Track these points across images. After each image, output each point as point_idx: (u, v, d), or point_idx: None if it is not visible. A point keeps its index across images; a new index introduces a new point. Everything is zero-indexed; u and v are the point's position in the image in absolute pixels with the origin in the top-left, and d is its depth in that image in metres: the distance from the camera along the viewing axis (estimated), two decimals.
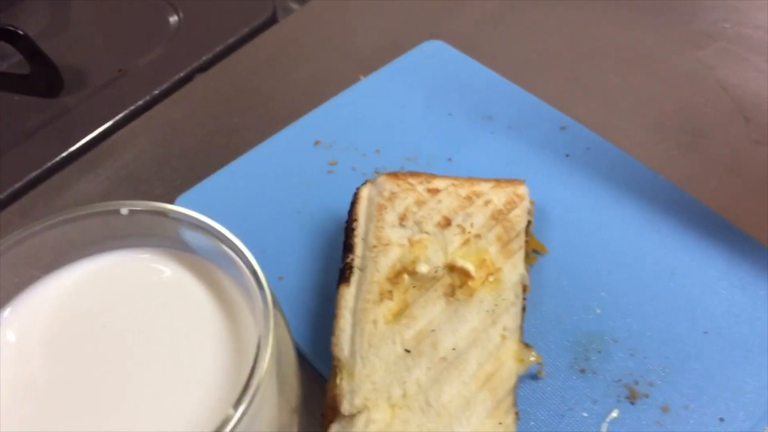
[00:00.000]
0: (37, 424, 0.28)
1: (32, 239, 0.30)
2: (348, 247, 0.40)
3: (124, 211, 0.31)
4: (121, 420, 0.28)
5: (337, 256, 0.44)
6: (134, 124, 0.55)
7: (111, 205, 0.31)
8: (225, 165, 0.50)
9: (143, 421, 0.28)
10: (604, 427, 0.37)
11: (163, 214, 0.31)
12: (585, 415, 0.38)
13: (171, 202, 0.46)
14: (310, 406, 0.36)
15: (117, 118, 0.55)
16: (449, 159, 0.49)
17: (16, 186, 0.51)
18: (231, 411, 0.25)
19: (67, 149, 0.54)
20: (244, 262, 0.29)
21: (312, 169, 0.50)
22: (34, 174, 0.52)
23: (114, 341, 0.30)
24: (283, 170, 0.50)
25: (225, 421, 0.24)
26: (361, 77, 0.56)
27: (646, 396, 0.38)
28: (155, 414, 0.28)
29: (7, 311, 0.30)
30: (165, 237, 0.32)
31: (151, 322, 0.31)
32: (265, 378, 0.26)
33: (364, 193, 0.43)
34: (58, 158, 0.53)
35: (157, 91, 0.57)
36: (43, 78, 0.56)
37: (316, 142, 0.51)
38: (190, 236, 0.31)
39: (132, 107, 0.56)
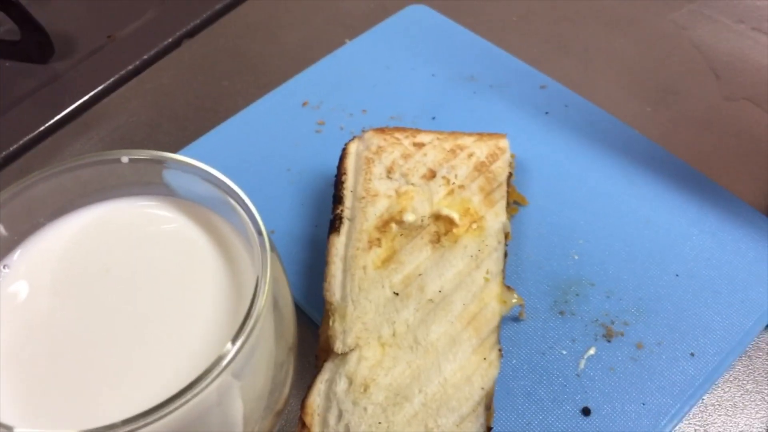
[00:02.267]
0: (46, 361, 0.29)
1: (37, 187, 0.31)
2: (337, 199, 0.42)
3: (124, 159, 0.32)
4: (125, 355, 0.29)
5: (326, 211, 0.45)
6: (125, 88, 0.57)
7: (112, 154, 0.32)
8: (215, 127, 0.52)
9: (147, 355, 0.29)
10: (582, 363, 0.39)
11: (162, 162, 0.32)
12: (564, 352, 0.40)
13: None
14: (304, 350, 0.38)
15: (107, 82, 0.56)
16: (433, 118, 0.51)
17: (11, 149, 0.52)
18: (230, 345, 0.26)
19: (59, 113, 0.55)
20: (243, 207, 0.31)
21: (300, 129, 0.51)
22: (28, 137, 0.53)
23: (118, 283, 0.31)
24: (272, 131, 0.51)
25: (225, 353, 0.26)
26: (347, 41, 0.57)
27: (621, 334, 0.40)
28: (159, 349, 0.30)
29: (17, 254, 0.32)
30: (164, 185, 0.33)
31: (152, 264, 0.32)
32: (262, 314, 0.28)
33: (352, 148, 0.44)
34: (51, 122, 0.54)
35: (146, 57, 0.58)
36: (34, 44, 0.57)
37: (304, 104, 0.53)
38: (190, 184, 0.33)
39: (122, 72, 0.57)
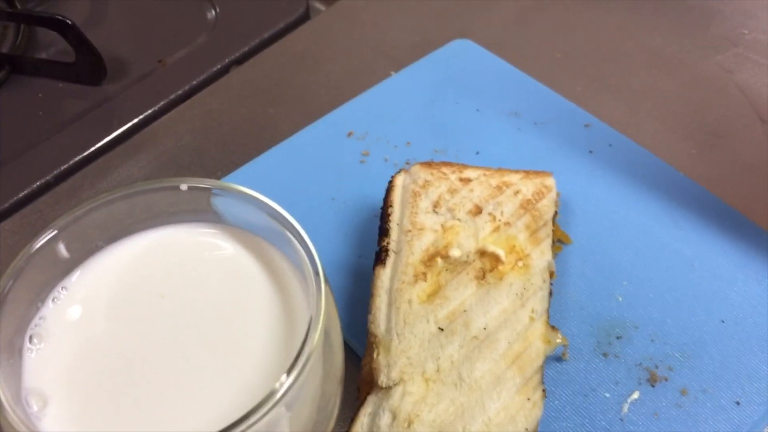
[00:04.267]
0: (100, 383, 0.30)
1: (97, 211, 0.32)
2: (384, 232, 0.42)
3: (183, 187, 0.33)
4: (178, 382, 0.30)
5: (369, 242, 0.46)
6: (173, 112, 0.58)
7: (171, 181, 0.33)
8: (261, 154, 0.53)
9: (200, 383, 0.30)
10: (626, 407, 0.39)
11: (221, 191, 0.33)
12: (607, 395, 0.40)
13: None
14: (345, 381, 0.38)
15: (157, 106, 0.58)
16: (477, 152, 0.51)
17: (62, 168, 0.54)
18: (284, 377, 0.27)
19: (109, 135, 0.56)
20: (301, 244, 0.31)
21: (345, 159, 0.52)
22: (78, 157, 0.55)
23: (172, 309, 0.32)
24: (317, 160, 0.52)
25: (278, 387, 0.26)
26: (392, 73, 0.58)
27: (666, 379, 0.40)
28: (211, 378, 0.30)
29: (75, 276, 0.32)
30: (220, 214, 0.34)
31: (207, 292, 0.33)
32: (315, 349, 0.28)
33: (399, 181, 0.45)
34: (101, 143, 0.55)
35: (195, 82, 0.59)
36: (88, 66, 0.58)
37: (349, 134, 0.54)
38: (246, 214, 0.33)
39: (171, 96, 0.58)
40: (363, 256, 0.46)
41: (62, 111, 0.58)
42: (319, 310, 0.29)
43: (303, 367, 0.27)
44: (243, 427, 0.26)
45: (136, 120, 0.57)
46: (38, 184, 0.53)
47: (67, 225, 0.31)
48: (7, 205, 0.52)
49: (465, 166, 0.45)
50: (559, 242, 0.46)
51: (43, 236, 0.30)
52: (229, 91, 0.59)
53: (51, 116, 0.58)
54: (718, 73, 0.58)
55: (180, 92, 0.59)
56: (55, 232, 0.31)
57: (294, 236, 0.31)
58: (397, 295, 0.39)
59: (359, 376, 0.40)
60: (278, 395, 0.26)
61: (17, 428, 0.26)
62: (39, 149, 0.55)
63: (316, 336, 0.28)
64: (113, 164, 0.54)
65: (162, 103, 0.58)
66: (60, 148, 0.55)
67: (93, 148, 0.55)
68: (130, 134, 0.56)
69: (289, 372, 0.27)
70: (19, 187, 0.53)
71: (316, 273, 0.30)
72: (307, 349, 0.28)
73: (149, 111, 0.58)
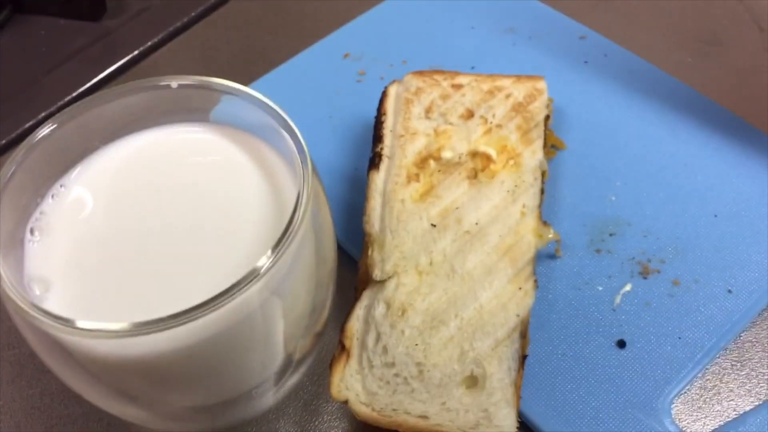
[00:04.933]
0: (101, 265, 0.31)
1: (93, 111, 0.33)
2: (377, 138, 0.43)
3: (174, 84, 0.34)
4: (173, 263, 0.31)
5: (365, 155, 0.46)
6: (173, 44, 0.58)
7: (162, 79, 0.34)
8: (260, 77, 0.53)
9: (193, 263, 0.31)
10: (618, 298, 0.40)
11: (209, 87, 0.34)
12: (600, 288, 0.40)
13: None
14: (343, 286, 0.39)
15: (156, 38, 0.58)
16: (472, 67, 0.52)
17: (65, 100, 0.55)
18: (269, 252, 0.28)
19: (110, 67, 0.57)
20: (285, 129, 0.32)
21: (341, 80, 0.52)
22: (81, 89, 0.56)
23: (167, 200, 0.33)
24: (315, 81, 0.53)
25: (259, 265, 0.27)
26: None
27: (658, 272, 0.41)
28: (204, 258, 0.31)
29: (74, 174, 0.33)
30: (211, 113, 0.35)
31: (200, 184, 0.33)
32: (301, 227, 0.29)
33: (392, 90, 0.45)
34: (102, 75, 0.56)
35: (193, 14, 0.60)
36: (87, 2, 0.59)
37: (345, 55, 0.54)
38: (236, 110, 0.34)
39: (170, 29, 0.59)
40: (359, 169, 0.47)
41: (64, 47, 0.59)
42: (306, 187, 0.30)
43: (288, 245, 0.28)
44: (228, 297, 0.26)
45: (135, 52, 0.58)
46: (42, 115, 0.54)
47: (66, 120, 0.32)
48: (13, 135, 0.53)
49: (457, 73, 0.45)
50: (553, 147, 0.46)
51: (44, 128, 0.31)
52: (227, 21, 0.59)
53: (53, 52, 0.59)
54: None
55: (178, 24, 0.59)
56: (55, 125, 0.31)
57: (278, 122, 0.32)
58: (391, 195, 0.40)
59: (356, 277, 0.41)
60: (263, 269, 0.27)
61: (22, 306, 0.27)
62: (42, 83, 0.56)
63: (301, 213, 0.29)
64: None
65: (161, 36, 0.59)
66: (63, 81, 0.56)
67: (94, 80, 0.56)
68: (130, 66, 0.57)
69: (273, 249, 0.28)
70: (24, 119, 0.54)
71: (304, 159, 0.31)
72: (293, 227, 0.28)
73: (149, 43, 0.58)
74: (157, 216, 0.32)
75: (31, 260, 0.31)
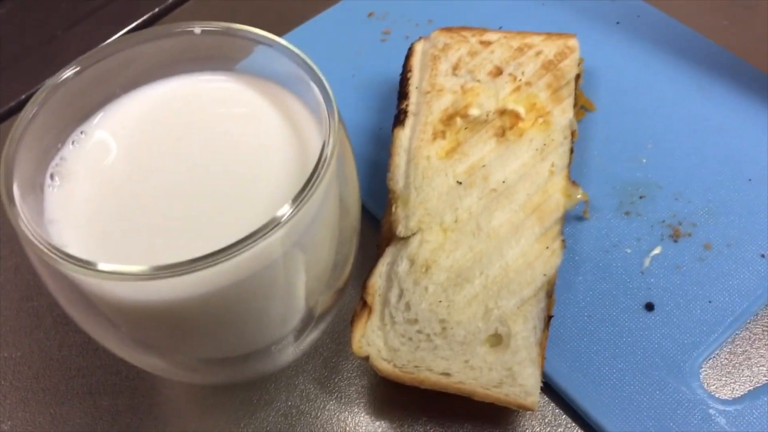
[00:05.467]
0: (123, 210, 0.30)
1: (114, 57, 0.33)
2: (403, 95, 0.42)
3: (197, 30, 0.33)
4: (195, 209, 0.30)
5: (390, 114, 0.45)
6: (193, 1, 0.57)
7: (186, 25, 0.33)
8: (284, 35, 0.52)
9: (216, 210, 0.30)
10: (647, 261, 0.39)
11: (235, 34, 0.33)
12: (628, 251, 0.39)
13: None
14: (365, 245, 0.39)
15: None
16: (500, 27, 0.50)
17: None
18: (291, 202, 0.27)
19: (132, 23, 0.56)
20: (311, 76, 0.31)
21: (366, 38, 0.51)
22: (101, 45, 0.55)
23: (190, 147, 0.32)
24: (338, 40, 0.52)
25: (280, 214, 0.26)
26: None
27: (689, 235, 0.39)
28: (226, 206, 0.30)
29: (96, 119, 0.33)
30: (235, 60, 0.34)
31: (223, 133, 0.33)
32: (325, 178, 0.28)
33: (419, 47, 0.44)
34: (124, 31, 0.56)
35: None
36: None
37: (370, 14, 0.53)
38: (261, 59, 0.33)
39: None
40: (383, 128, 0.46)
41: (85, 2, 0.58)
42: (330, 139, 0.29)
43: (309, 195, 0.27)
44: (247, 244, 0.26)
45: (156, 10, 0.57)
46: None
47: (89, 63, 0.32)
48: (34, 90, 0.53)
49: (485, 30, 0.44)
50: (582, 108, 0.45)
51: (66, 70, 0.30)
52: None
53: (74, 7, 0.58)
54: None
55: None
56: (78, 68, 0.31)
57: (310, 77, 0.31)
58: (416, 152, 0.39)
59: (379, 235, 0.40)
60: (282, 220, 0.26)
61: (43, 249, 0.27)
62: (63, 38, 0.56)
63: (325, 163, 0.28)
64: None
65: None
66: (83, 37, 0.56)
67: (115, 36, 0.55)
68: (151, 22, 0.57)
69: (296, 198, 0.27)
70: (46, 74, 0.53)
71: (330, 108, 0.30)
72: (317, 177, 0.28)
73: (170, 0, 0.57)
74: (179, 163, 0.32)
75: (51, 205, 0.31)
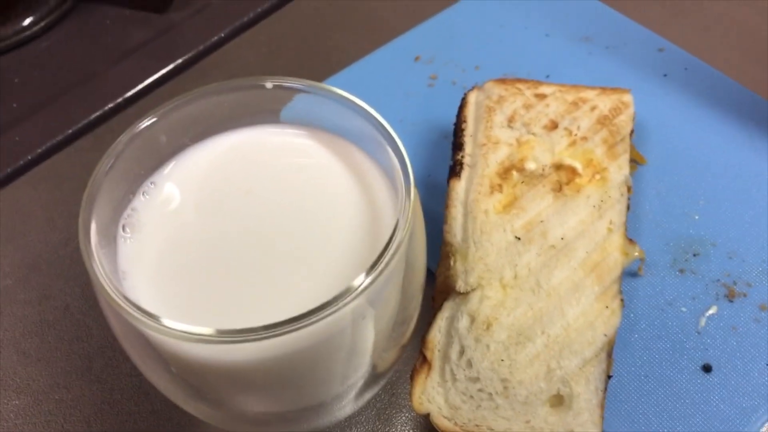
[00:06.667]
0: (191, 268, 0.30)
1: (185, 108, 0.33)
2: (458, 146, 0.42)
3: (268, 85, 0.33)
4: (264, 270, 0.30)
5: (438, 161, 0.46)
6: (239, 39, 0.58)
7: (256, 79, 0.33)
8: (327, 78, 0.53)
9: (284, 273, 0.30)
10: (703, 321, 0.39)
11: (305, 90, 0.33)
12: (684, 310, 0.39)
13: None
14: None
15: (223, 33, 0.58)
16: (547, 76, 0.51)
17: (133, 91, 0.54)
18: (363, 275, 0.26)
19: (176, 60, 0.56)
20: (389, 143, 0.31)
21: (412, 83, 0.52)
22: (145, 83, 0.55)
23: (258, 203, 0.32)
24: (385, 84, 0.52)
25: (360, 281, 0.26)
26: None
27: (744, 295, 0.39)
28: (295, 268, 0.30)
29: (166, 170, 0.33)
30: (306, 114, 0.34)
31: (292, 190, 0.33)
32: (401, 248, 0.28)
33: (472, 98, 0.44)
34: (168, 68, 0.56)
35: (260, 9, 0.59)
36: None
37: (416, 58, 0.53)
38: (335, 116, 0.33)
39: (236, 24, 0.58)
40: (432, 175, 0.46)
41: (129, 37, 0.59)
42: (407, 212, 0.29)
43: (386, 265, 0.27)
44: (322, 314, 0.26)
45: (201, 47, 0.57)
46: (108, 107, 0.54)
47: (164, 114, 0.32)
48: (78, 126, 0.53)
49: (540, 83, 0.44)
50: (633, 162, 0.45)
51: (144, 121, 0.31)
52: (295, 17, 0.59)
53: (117, 43, 0.59)
54: None
55: (244, 20, 0.59)
56: (155, 119, 0.31)
57: (387, 141, 0.31)
58: (474, 205, 0.39)
59: (433, 288, 0.40)
60: (359, 289, 0.26)
61: (114, 298, 0.27)
62: (106, 75, 0.56)
63: (401, 235, 0.28)
64: (181, 89, 0.54)
65: (226, 31, 0.58)
66: (125, 74, 0.56)
67: (161, 73, 0.56)
68: (196, 60, 0.57)
69: (371, 268, 0.27)
70: (89, 111, 0.54)
71: (407, 177, 0.30)
72: (391, 248, 0.27)
73: (215, 38, 0.58)
74: (249, 219, 0.32)
75: (122, 256, 0.31)
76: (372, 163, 0.33)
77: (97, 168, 0.30)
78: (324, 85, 0.32)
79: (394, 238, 0.28)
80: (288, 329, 0.25)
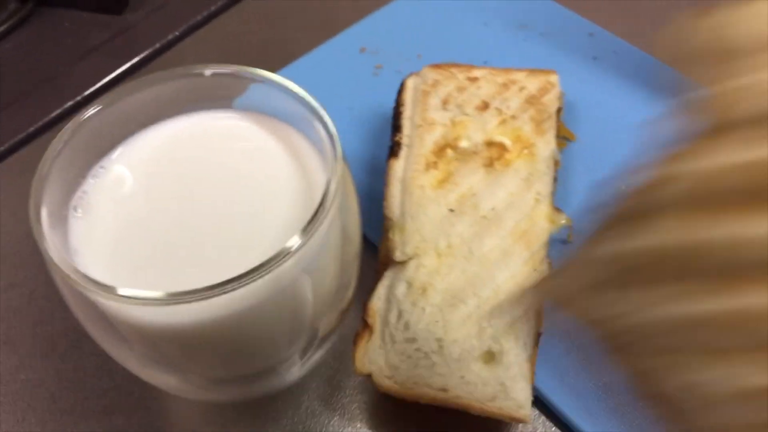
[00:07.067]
0: (141, 240, 0.33)
1: (131, 96, 0.35)
2: (396, 128, 0.45)
3: (207, 72, 0.35)
4: (209, 239, 0.32)
5: (383, 144, 0.48)
6: (193, 37, 0.60)
7: (196, 67, 0.36)
8: (279, 70, 0.55)
9: (228, 240, 0.32)
10: None
11: (244, 76, 0.35)
12: None
13: None
14: (363, 268, 0.41)
15: (178, 31, 0.60)
16: (485, 62, 0.53)
17: (90, 90, 0.57)
18: (300, 234, 0.29)
19: (132, 59, 0.59)
20: (316, 116, 0.34)
21: (360, 72, 0.54)
22: (103, 81, 0.57)
23: (203, 181, 0.35)
24: (334, 74, 0.54)
25: (294, 242, 0.29)
26: None
27: None
28: (238, 236, 0.33)
29: (114, 155, 0.35)
30: (238, 98, 0.37)
31: (234, 168, 0.35)
32: (330, 211, 0.30)
33: (410, 82, 0.47)
34: (125, 67, 0.58)
35: (213, 8, 0.61)
36: None
37: (362, 49, 0.56)
38: (268, 98, 0.36)
39: (191, 22, 0.61)
40: (377, 158, 0.49)
41: (88, 39, 0.61)
42: (335, 174, 0.31)
43: (317, 227, 0.30)
44: (261, 273, 0.28)
45: (157, 45, 0.60)
46: (69, 105, 0.56)
47: (109, 103, 0.34)
48: (40, 124, 0.55)
49: (473, 67, 0.47)
50: (563, 138, 0.48)
51: (90, 109, 0.33)
52: (248, 14, 0.61)
53: (77, 44, 0.61)
54: None
55: (199, 18, 0.61)
56: (101, 107, 0.33)
57: (315, 117, 0.33)
58: (410, 182, 0.42)
59: (377, 261, 0.42)
60: (292, 250, 0.29)
61: (69, 275, 0.29)
62: (67, 74, 0.58)
63: (330, 198, 0.31)
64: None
65: (182, 29, 0.61)
66: (86, 73, 0.58)
67: (117, 72, 0.58)
68: (152, 58, 0.59)
69: (303, 230, 0.29)
70: (50, 109, 0.56)
71: (334, 147, 0.33)
72: (323, 211, 0.30)
73: (170, 36, 0.60)
74: (193, 196, 0.34)
75: (74, 235, 0.33)
76: (306, 141, 0.36)
77: (46, 155, 0.32)
78: (257, 69, 0.35)
79: (325, 199, 0.30)
80: (231, 288, 0.28)
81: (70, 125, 0.32)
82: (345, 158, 0.34)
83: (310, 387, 0.41)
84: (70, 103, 0.56)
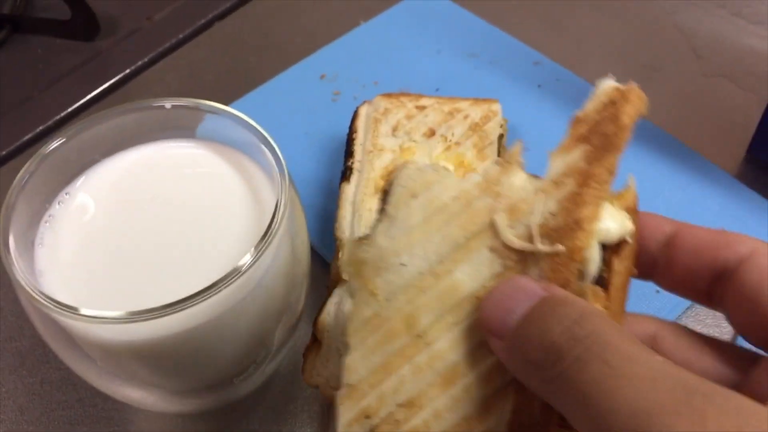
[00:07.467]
0: (103, 262, 0.35)
1: (95, 127, 0.38)
2: (349, 154, 0.48)
3: (168, 105, 0.38)
4: (167, 261, 0.35)
5: (339, 167, 0.51)
6: (161, 64, 0.63)
7: (157, 101, 0.38)
8: (242, 96, 0.58)
9: (185, 261, 0.35)
10: None
11: (200, 108, 0.38)
12: None
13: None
14: (317, 286, 0.44)
15: (146, 58, 0.63)
16: (437, 89, 0.57)
17: (62, 114, 0.59)
18: (250, 253, 0.32)
19: (103, 84, 0.61)
20: (265, 144, 0.37)
21: (318, 99, 0.57)
22: (75, 105, 0.60)
23: (163, 207, 0.37)
24: (293, 100, 0.57)
25: (241, 264, 0.32)
26: (362, 22, 0.63)
27: None
28: (194, 257, 0.35)
29: (78, 182, 0.38)
30: (201, 130, 0.39)
31: (191, 194, 0.38)
32: (279, 229, 0.33)
33: (363, 110, 0.50)
34: (96, 92, 0.61)
35: (181, 36, 0.64)
36: (82, 23, 0.63)
37: (322, 76, 0.59)
38: (223, 129, 0.39)
39: (159, 49, 0.63)
40: (333, 180, 0.52)
41: (60, 64, 0.63)
42: (284, 194, 0.34)
43: (266, 246, 0.33)
44: (213, 291, 0.31)
45: (127, 71, 0.62)
46: (40, 128, 0.59)
47: (73, 134, 0.37)
48: (12, 147, 0.58)
49: (421, 96, 0.50)
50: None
51: (54, 142, 0.36)
52: (213, 43, 0.64)
53: (49, 70, 0.63)
54: (660, 13, 0.63)
55: (167, 45, 0.64)
56: (64, 139, 0.36)
57: (259, 139, 0.36)
58: (360, 205, 0.45)
59: (329, 278, 0.45)
60: (244, 267, 0.32)
61: (34, 296, 0.31)
62: (40, 98, 0.61)
63: (279, 218, 0.34)
64: None
65: (151, 56, 0.63)
66: (58, 97, 0.61)
67: (89, 97, 0.61)
68: (121, 84, 0.62)
69: (254, 249, 0.32)
70: (23, 132, 0.58)
71: (281, 170, 0.36)
72: (272, 230, 0.33)
73: (139, 63, 0.63)
74: (152, 220, 0.37)
75: (40, 258, 0.36)
76: (257, 167, 0.39)
77: (13, 185, 0.34)
78: (211, 103, 0.38)
79: (272, 222, 0.33)
80: (187, 305, 0.31)
81: (34, 157, 0.35)
82: (292, 181, 0.37)
83: (264, 398, 0.43)
84: (41, 128, 0.58)
